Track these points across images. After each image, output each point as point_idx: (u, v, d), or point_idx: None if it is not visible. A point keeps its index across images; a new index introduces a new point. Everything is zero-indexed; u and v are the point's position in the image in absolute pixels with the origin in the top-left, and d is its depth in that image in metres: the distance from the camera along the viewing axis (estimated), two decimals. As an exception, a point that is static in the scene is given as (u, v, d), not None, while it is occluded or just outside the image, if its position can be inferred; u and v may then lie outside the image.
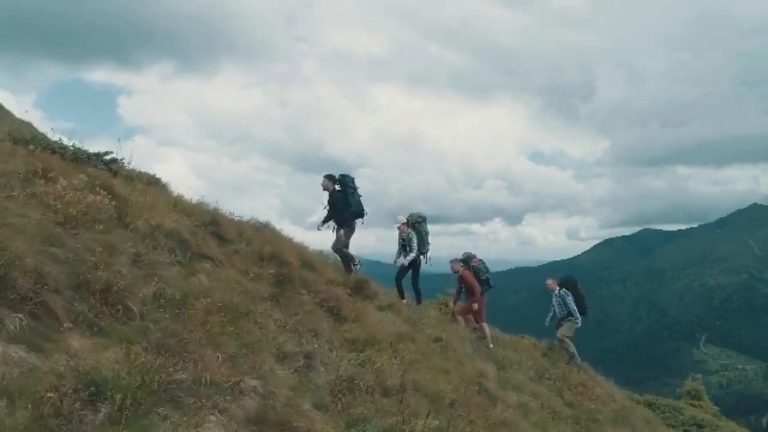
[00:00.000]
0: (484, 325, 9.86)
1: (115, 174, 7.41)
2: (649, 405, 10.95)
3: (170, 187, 8.11)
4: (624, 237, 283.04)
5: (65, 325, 3.27)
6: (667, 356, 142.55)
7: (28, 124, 26.44)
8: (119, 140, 7.72)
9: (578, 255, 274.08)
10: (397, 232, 9.58)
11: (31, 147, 6.32)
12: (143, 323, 3.70)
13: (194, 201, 8.13)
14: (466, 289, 9.88)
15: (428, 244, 9.58)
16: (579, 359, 10.42)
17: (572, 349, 10.36)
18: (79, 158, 7.00)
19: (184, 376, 3.19)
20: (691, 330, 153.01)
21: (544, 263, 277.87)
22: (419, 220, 9.60)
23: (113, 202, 4.99)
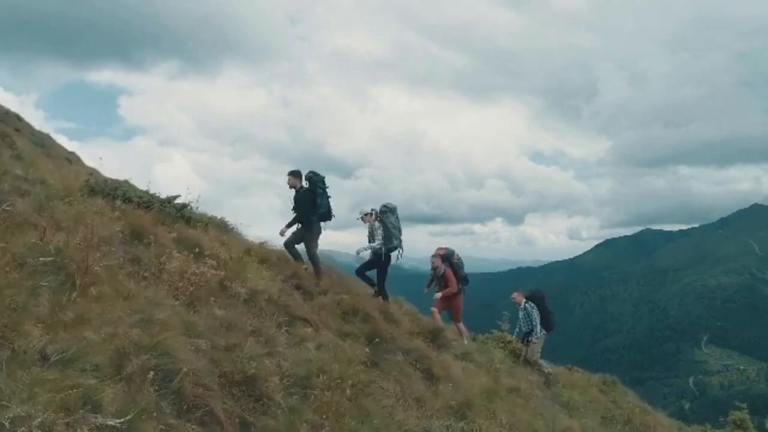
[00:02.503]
0: (461, 325, 9.52)
1: (188, 221, 7.45)
2: (702, 438, 10.95)
3: (237, 229, 8.19)
4: (625, 237, 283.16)
5: (227, 429, 3.30)
6: (669, 356, 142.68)
7: (47, 136, 26.42)
8: (188, 189, 7.76)
9: (579, 255, 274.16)
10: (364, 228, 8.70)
11: (119, 203, 6.35)
12: (287, 416, 3.73)
13: (258, 242, 8.22)
14: (443, 284, 9.38)
15: (397, 238, 8.66)
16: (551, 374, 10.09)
17: (547, 369, 10.13)
18: (159, 208, 7.03)
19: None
20: (692, 330, 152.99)
21: (545, 263, 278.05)
22: (385, 210, 8.75)
23: (221, 272, 5.02)
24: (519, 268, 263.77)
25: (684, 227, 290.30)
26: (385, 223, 8.57)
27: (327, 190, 8.26)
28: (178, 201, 7.76)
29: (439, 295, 9.18)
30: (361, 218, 8.82)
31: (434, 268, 9.51)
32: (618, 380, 11.06)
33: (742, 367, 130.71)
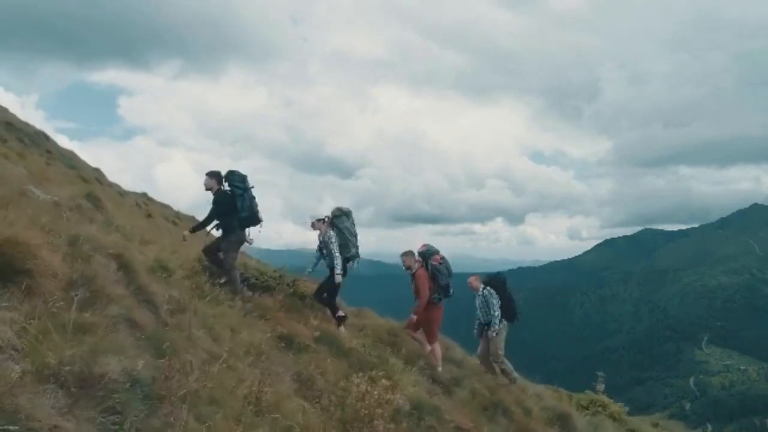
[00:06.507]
0: (436, 346, 7.91)
1: (301, 297, 7.20)
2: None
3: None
4: (625, 237, 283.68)
5: None
6: (669, 357, 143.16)
7: (72, 153, 25.95)
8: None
9: (579, 255, 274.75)
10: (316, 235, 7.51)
11: (246, 292, 6.08)
12: None
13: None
14: (414, 289, 7.93)
15: (354, 246, 7.51)
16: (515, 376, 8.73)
17: (512, 371, 8.62)
18: (276, 288, 6.80)
19: None
20: (692, 330, 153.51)
21: (545, 263, 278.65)
22: (339, 213, 7.57)
23: (391, 393, 4.73)
24: (519, 268, 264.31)
25: (684, 227, 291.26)
26: (341, 228, 7.47)
27: (250, 190, 7.19)
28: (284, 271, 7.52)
29: (414, 318, 7.73)
30: (312, 224, 7.69)
31: (407, 269, 8.07)
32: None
33: (742, 368, 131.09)
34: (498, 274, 9.29)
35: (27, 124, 23.37)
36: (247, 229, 7.11)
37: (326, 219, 7.61)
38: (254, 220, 7.10)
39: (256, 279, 6.74)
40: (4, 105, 24.85)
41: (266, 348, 4.80)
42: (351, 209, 7.68)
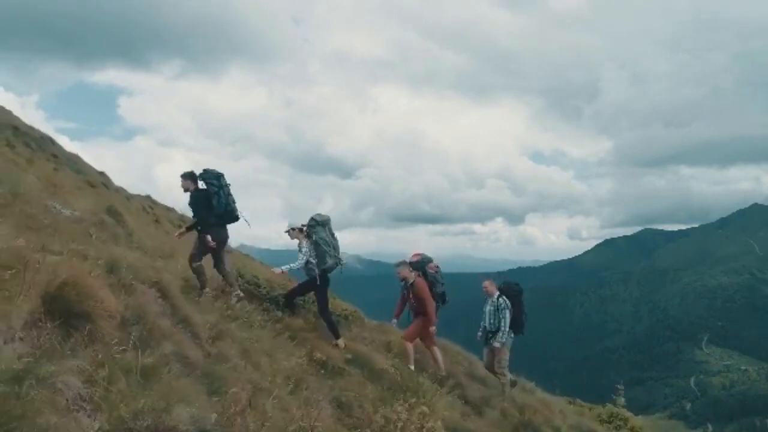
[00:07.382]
0: (435, 349, 7.84)
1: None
2: None
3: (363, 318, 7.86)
4: (625, 237, 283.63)
5: None
6: (669, 357, 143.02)
7: (77, 157, 25.75)
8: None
9: (579, 255, 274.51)
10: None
11: (277, 313, 6.03)
12: None
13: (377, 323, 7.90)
14: (416, 304, 7.72)
15: (332, 256, 7.23)
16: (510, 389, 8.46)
17: (508, 388, 8.25)
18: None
19: None
20: (692, 330, 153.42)
21: (545, 263, 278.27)
22: (313, 224, 7.37)
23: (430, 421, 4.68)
24: (519, 268, 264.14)
25: (684, 227, 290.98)
26: (316, 240, 7.24)
27: (227, 187, 7.00)
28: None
29: (432, 329, 7.60)
30: (288, 233, 7.47)
31: (402, 280, 7.89)
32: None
33: (743, 368, 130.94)
34: (515, 283, 8.87)
35: (32, 128, 23.23)
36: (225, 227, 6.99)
37: (303, 228, 7.46)
38: (230, 217, 7.01)
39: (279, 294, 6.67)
40: (5, 106, 24.74)
41: (304, 374, 4.75)
42: (329, 217, 7.51)
